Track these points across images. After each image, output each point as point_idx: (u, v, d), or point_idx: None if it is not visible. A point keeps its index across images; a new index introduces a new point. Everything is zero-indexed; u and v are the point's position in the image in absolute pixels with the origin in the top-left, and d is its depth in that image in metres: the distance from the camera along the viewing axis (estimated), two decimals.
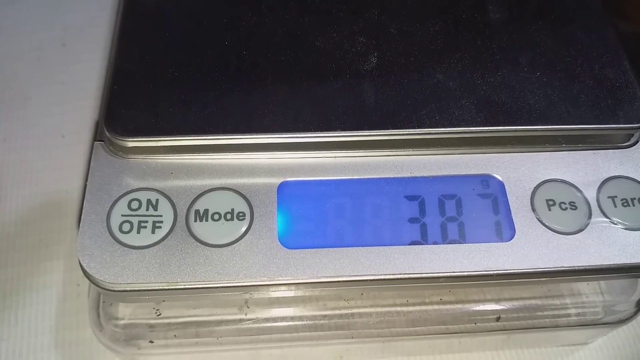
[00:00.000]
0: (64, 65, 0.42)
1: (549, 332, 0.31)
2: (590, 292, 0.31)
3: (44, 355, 0.33)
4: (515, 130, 0.28)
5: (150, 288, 0.25)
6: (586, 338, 0.34)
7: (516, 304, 0.30)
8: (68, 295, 0.34)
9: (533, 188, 0.28)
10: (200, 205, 0.26)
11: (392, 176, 0.28)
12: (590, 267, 0.26)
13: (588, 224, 0.27)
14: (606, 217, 0.27)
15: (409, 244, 0.26)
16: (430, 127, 0.28)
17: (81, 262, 0.25)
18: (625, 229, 0.27)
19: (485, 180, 0.28)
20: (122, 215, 0.26)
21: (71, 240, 0.35)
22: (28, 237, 0.36)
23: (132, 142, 0.27)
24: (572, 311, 0.31)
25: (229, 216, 0.26)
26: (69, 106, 0.40)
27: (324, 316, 0.29)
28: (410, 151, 0.28)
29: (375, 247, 0.26)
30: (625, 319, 0.31)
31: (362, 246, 0.26)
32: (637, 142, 0.29)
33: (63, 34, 0.44)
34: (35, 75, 0.42)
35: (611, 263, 0.27)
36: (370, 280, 0.26)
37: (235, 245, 0.26)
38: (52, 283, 0.35)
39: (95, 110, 0.40)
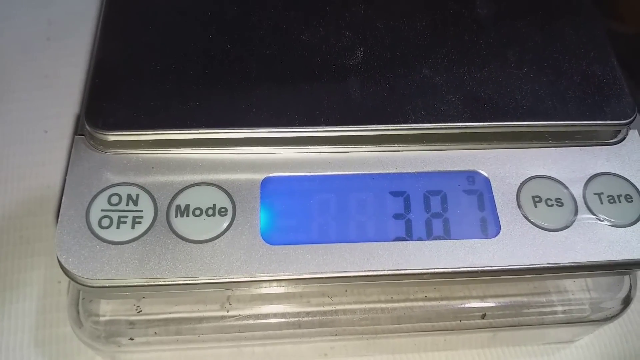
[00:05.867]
0: (48, 60, 0.42)
1: (535, 329, 0.31)
2: (576, 289, 0.31)
3: (23, 353, 0.32)
4: (502, 126, 0.28)
5: (129, 284, 0.25)
6: (572, 336, 0.34)
7: (502, 301, 0.30)
8: (49, 292, 0.34)
9: (519, 184, 0.28)
10: (182, 201, 0.26)
11: (377, 172, 0.27)
12: (576, 264, 0.26)
13: (574, 220, 0.27)
14: (592, 213, 0.27)
15: (394, 240, 0.26)
16: (416, 123, 0.27)
17: (59, 258, 0.25)
18: (612, 225, 0.27)
19: (471, 176, 0.28)
20: (102, 210, 0.26)
21: (53, 237, 0.35)
22: (9, 233, 0.35)
23: (112, 136, 0.26)
24: (559, 308, 0.31)
25: (210, 212, 0.26)
26: (52, 101, 0.40)
27: (308, 313, 0.29)
28: (395, 147, 0.28)
29: (359, 243, 0.26)
30: (612, 317, 0.31)
31: (346, 242, 0.26)
32: (623, 138, 0.29)
33: (48, 28, 0.43)
34: (19, 69, 0.41)
35: (597, 260, 0.26)
36: (354, 276, 0.26)
37: (216, 241, 0.25)
38: (33, 280, 0.34)
39: (79, 105, 0.39)
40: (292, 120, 0.27)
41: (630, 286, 0.30)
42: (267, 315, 0.29)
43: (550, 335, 0.33)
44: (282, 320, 0.29)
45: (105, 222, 0.25)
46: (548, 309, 0.30)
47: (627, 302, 0.31)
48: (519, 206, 0.27)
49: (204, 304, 0.29)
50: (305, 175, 0.27)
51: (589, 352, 0.34)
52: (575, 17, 0.32)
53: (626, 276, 0.31)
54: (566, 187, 0.28)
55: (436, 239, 0.26)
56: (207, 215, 0.26)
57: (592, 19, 0.32)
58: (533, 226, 0.27)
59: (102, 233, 0.25)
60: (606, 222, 0.27)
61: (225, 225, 0.26)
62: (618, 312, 0.31)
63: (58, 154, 0.37)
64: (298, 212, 0.26)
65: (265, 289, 0.27)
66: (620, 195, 0.28)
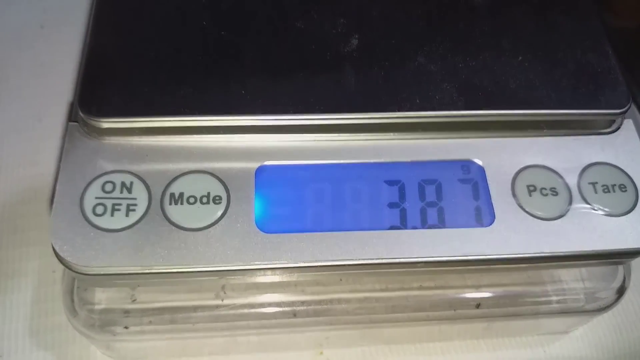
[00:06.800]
0: (42, 48, 0.41)
1: (529, 319, 0.31)
2: (570, 279, 0.31)
3: (18, 342, 0.32)
4: (497, 115, 0.28)
5: (123, 272, 0.25)
6: (567, 326, 0.34)
7: (496, 291, 0.30)
8: (43, 281, 0.34)
9: (514, 173, 0.28)
10: (176, 189, 0.26)
11: (372, 161, 0.27)
12: (570, 253, 0.26)
13: (569, 209, 0.27)
14: (587, 203, 0.27)
15: (389, 229, 0.26)
16: (411, 111, 0.27)
17: (54, 246, 0.25)
18: (606, 215, 0.27)
19: (466, 165, 0.28)
20: (96, 198, 0.25)
21: (47, 226, 0.35)
22: (3, 222, 0.35)
23: (106, 123, 0.26)
24: (553, 298, 0.31)
25: (204, 200, 0.26)
26: (46, 89, 0.40)
27: (303, 302, 0.29)
28: (390, 135, 0.28)
29: (354, 232, 0.26)
30: (606, 307, 0.31)
31: (341, 231, 0.26)
32: (618, 128, 0.29)
33: (42, 16, 0.43)
34: (13, 57, 0.41)
35: (591, 249, 0.26)
36: (348, 265, 0.26)
37: (211, 229, 0.25)
38: (28, 269, 0.34)
39: (73, 94, 0.39)
40: (287, 107, 0.27)
41: (624, 276, 0.31)
42: (262, 305, 0.29)
43: (545, 326, 0.33)
44: (277, 309, 0.29)
45: (100, 209, 0.25)
46: (542, 299, 0.31)
47: (621, 292, 0.31)
48: (514, 195, 0.27)
49: (199, 292, 0.29)
50: (300, 164, 0.27)
51: (584, 343, 0.34)
52: (571, 6, 0.32)
53: (620, 266, 0.31)
54: (561, 177, 0.28)
55: (431, 228, 0.26)
56: (202, 203, 0.26)
57: (588, 8, 0.32)
58: (527, 215, 0.27)
59: (97, 221, 0.25)
60: (600, 212, 0.27)
61: (220, 213, 0.26)
62: (612, 302, 0.31)
63: (52, 143, 0.37)
64: (293, 200, 0.26)
65: (260, 278, 0.27)
66: (615, 184, 0.28)
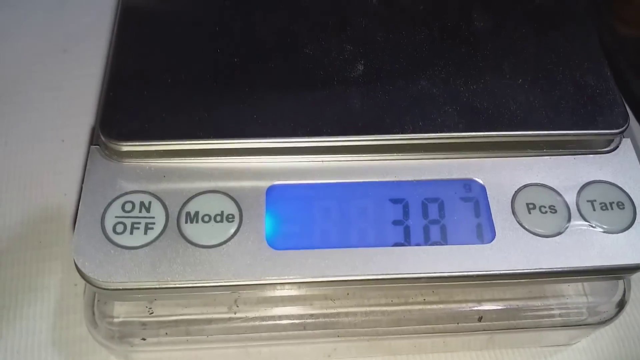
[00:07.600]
0: (64, 72, 0.43)
1: (531, 332, 0.32)
2: (572, 293, 0.32)
3: (41, 353, 0.33)
4: (498, 136, 0.29)
5: (142, 287, 0.26)
6: (569, 339, 0.34)
7: (498, 304, 0.31)
8: (65, 294, 0.35)
9: (514, 192, 0.29)
10: (191, 208, 0.27)
11: (377, 180, 0.29)
12: (569, 269, 0.27)
13: (567, 227, 0.28)
14: (585, 220, 0.28)
15: (393, 246, 0.27)
16: (415, 133, 0.28)
17: (76, 262, 0.26)
18: (604, 232, 0.28)
19: (468, 184, 0.29)
20: (116, 217, 0.27)
21: (70, 242, 0.36)
22: (28, 239, 0.37)
23: (126, 147, 0.28)
24: (555, 312, 0.32)
25: (218, 218, 0.27)
26: (69, 111, 0.41)
27: (311, 315, 0.30)
28: (395, 156, 0.29)
29: (360, 249, 0.27)
30: (607, 320, 0.31)
31: (347, 247, 0.27)
32: (616, 147, 0.30)
33: (64, 41, 0.45)
34: (36, 81, 0.43)
35: (589, 265, 0.27)
36: (354, 280, 0.27)
37: (224, 246, 0.27)
38: (51, 283, 0.35)
39: (94, 115, 0.40)
40: (296, 130, 0.28)
41: (624, 290, 0.31)
42: (272, 317, 0.30)
43: (547, 338, 0.34)
44: (287, 322, 0.30)
45: (120, 228, 0.27)
46: (544, 312, 0.31)
47: (621, 305, 0.31)
48: (514, 213, 0.28)
49: (213, 306, 0.30)
50: (308, 183, 0.29)
51: (586, 356, 0.35)
52: (570, 27, 0.33)
53: (620, 280, 0.31)
54: (560, 195, 0.29)
55: (434, 244, 0.27)
56: (216, 221, 0.27)
57: (585, 28, 0.33)
58: (527, 232, 0.28)
59: (117, 238, 0.26)
60: (598, 229, 0.28)
61: (233, 231, 0.27)
62: (613, 316, 0.31)
63: (75, 163, 0.39)
64: (302, 218, 0.28)
65: (271, 292, 0.28)
66: (613, 202, 0.29)
